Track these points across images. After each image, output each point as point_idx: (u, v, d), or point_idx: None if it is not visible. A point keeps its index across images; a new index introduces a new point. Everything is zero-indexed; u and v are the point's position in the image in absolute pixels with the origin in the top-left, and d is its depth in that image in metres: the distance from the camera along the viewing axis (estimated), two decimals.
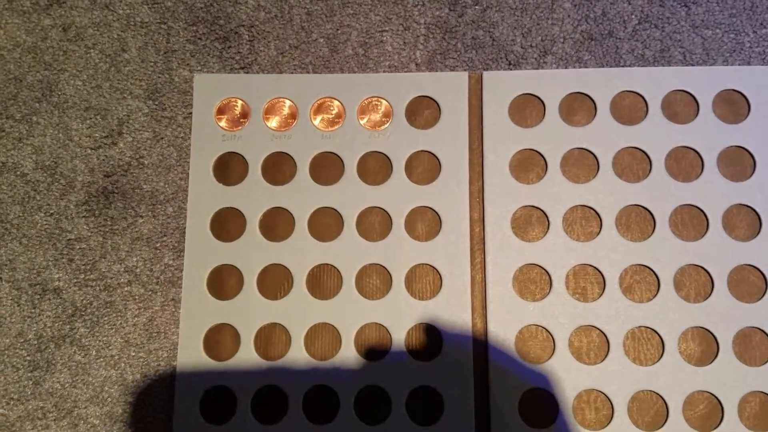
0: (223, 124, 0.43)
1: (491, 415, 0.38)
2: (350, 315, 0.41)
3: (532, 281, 0.41)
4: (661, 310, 0.39)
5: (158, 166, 0.43)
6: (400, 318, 0.41)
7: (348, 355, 0.40)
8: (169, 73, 0.44)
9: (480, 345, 0.40)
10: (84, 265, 0.42)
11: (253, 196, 0.42)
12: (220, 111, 0.43)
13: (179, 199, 0.42)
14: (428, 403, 0.39)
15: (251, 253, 0.42)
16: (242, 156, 0.43)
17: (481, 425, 0.38)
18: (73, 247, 0.42)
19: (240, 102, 0.43)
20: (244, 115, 0.43)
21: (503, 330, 0.40)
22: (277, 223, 0.42)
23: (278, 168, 0.43)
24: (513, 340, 0.40)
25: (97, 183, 0.43)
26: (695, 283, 0.40)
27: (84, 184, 0.43)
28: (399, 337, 0.40)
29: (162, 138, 0.43)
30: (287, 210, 0.42)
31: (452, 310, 0.40)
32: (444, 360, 0.40)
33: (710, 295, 0.39)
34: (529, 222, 0.41)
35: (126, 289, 0.41)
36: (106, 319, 0.41)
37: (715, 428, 0.38)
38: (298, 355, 0.40)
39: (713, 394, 0.38)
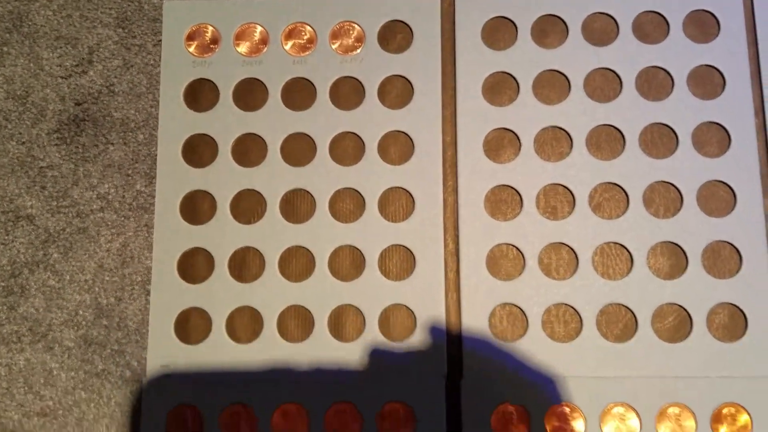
0: (192, 50, 0.42)
1: (462, 329, 0.39)
2: (324, 238, 0.41)
3: (504, 202, 0.41)
4: (630, 227, 0.40)
5: (129, 94, 0.43)
6: (373, 240, 0.41)
7: (322, 276, 0.40)
8: (138, 0, 0.43)
9: (452, 263, 0.40)
10: (56, 192, 0.42)
11: (225, 123, 0.42)
12: (190, 37, 0.43)
13: (150, 126, 0.42)
14: (401, 320, 0.40)
15: (224, 179, 0.42)
16: (213, 82, 0.42)
17: (452, 339, 0.39)
18: (45, 174, 0.42)
19: (210, 28, 0.43)
20: (214, 41, 0.43)
21: (474, 249, 0.40)
22: (249, 149, 0.42)
23: (250, 94, 0.42)
24: (484, 259, 0.40)
25: (68, 111, 0.43)
26: (664, 199, 0.40)
27: (55, 112, 0.43)
28: (372, 258, 0.40)
29: (132, 66, 0.43)
30: (259, 136, 0.42)
31: (425, 232, 0.40)
32: (416, 279, 0.40)
33: (679, 210, 0.40)
34: (501, 144, 0.41)
35: (99, 215, 0.41)
36: (79, 245, 0.41)
37: (683, 339, 0.38)
38: (272, 277, 0.40)
39: (682, 306, 0.39)
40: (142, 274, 0.41)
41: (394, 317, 0.40)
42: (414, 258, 0.40)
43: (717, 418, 0.37)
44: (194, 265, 0.41)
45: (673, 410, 0.37)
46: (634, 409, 0.37)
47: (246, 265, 0.41)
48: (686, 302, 0.38)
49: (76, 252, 0.41)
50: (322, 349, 0.39)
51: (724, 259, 0.39)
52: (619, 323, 0.39)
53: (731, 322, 0.38)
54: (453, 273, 0.40)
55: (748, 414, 0.37)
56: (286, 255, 0.41)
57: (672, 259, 0.39)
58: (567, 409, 0.37)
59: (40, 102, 0.43)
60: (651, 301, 0.39)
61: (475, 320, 0.39)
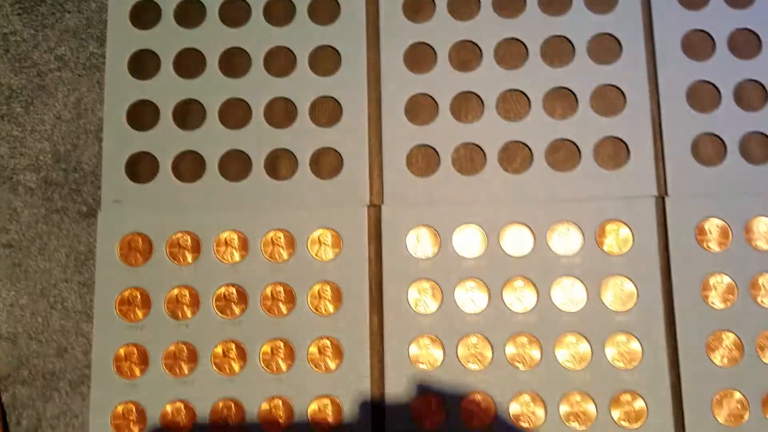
0: None
1: (383, 165, 0.44)
2: (259, 91, 0.46)
3: (421, 56, 0.46)
4: (527, 76, 0.45)
5: None
6: (304, 92, 0.45)
7: (258, 124, 0.45)
8: None
9: (374, 111, 0.45)
10: (18, 54, 0.46)
11: None
12: None
13: None
14: (329, 161, 0.45)
15: (168, 38, 0.46)
16: None
17: (373, 179, 0.44)
18: (9, 40, 0.46)
19: None
20: None
21: (395, 98, 0.45)
22: (190, 12, 0.47)
23: None
24: (403, 107, 0.45)
25: None
26: (559, 51, 0.45)
27: None
28: (303, 108, 0.45)
29: None
30: (199, 0, 0.47)
31: (350, 84, 0.45)
32: (342, 125, 0.45)
33: (572, 60, 0.45)
34: (419, 5, 0.46)
35: (56, 74, 0.46)
36: (39, 100, 0.46)
37: (573, 169, 0.44)
38: (213, 125, 0.45)
39: (572, 141, 0.44)
40: (95, 125, 0.45)
41: (323, 159, 0.45)
42: (341, 107, 0.45)
43: (602, 233, 0.43)
44: (142, 115, 0.45)
45: (563, 227, 0.43)
46: (528, 227, 0.43)
47: (189, 114, 0.45)
48: (576, 137, 0.44)
49: (37, 106, 0.46)
50: (260, 186, 0.44)
51: (610, 100, 0.44)
52: (517, 158, 0.44)
53: (614, 153, 0.44)
54: (375, 119, 0.45)
55: (630, 228, 0.43)
56: (226, 106, 0.46)
57: (564, 103, 0.45)
58: (474, 230, 0.43)
59: None
60: (545, 138, 0.44)
61: (394, 158, 0.44)
